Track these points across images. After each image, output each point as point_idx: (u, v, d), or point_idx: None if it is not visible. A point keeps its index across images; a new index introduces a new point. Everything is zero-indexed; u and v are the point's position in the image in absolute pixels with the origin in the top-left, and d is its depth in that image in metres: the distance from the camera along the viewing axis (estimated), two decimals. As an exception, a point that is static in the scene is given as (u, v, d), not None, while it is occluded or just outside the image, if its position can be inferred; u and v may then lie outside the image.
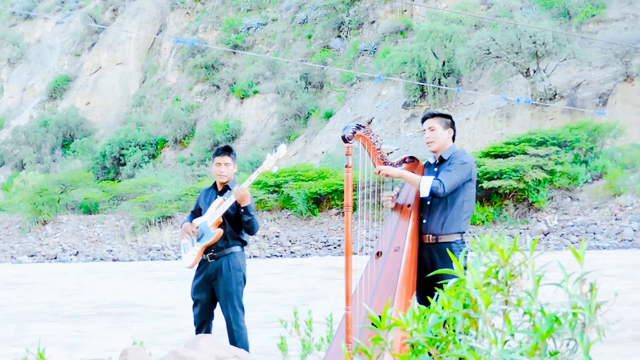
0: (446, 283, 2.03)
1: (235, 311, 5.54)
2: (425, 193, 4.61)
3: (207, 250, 5.58)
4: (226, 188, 5.72)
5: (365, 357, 1.98)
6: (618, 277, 12.69)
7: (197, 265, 5.69)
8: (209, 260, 5.60)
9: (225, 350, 4.52)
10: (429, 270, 4.51)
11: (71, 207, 32.64)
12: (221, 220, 5.55)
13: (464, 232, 4.73)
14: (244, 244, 5.71)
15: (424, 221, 4.75)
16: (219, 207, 5.57)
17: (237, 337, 5.50)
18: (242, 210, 5.50)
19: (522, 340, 1.90)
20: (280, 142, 40.13)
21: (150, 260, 25.01)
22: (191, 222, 5.74)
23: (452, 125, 4.92)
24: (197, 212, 5.85)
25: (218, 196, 5.69)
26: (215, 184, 5.84)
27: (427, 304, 2.01)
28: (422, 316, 1.93)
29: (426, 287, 4.59)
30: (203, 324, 5.70)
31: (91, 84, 54.87)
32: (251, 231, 5.62)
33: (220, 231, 5.53)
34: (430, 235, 4.70)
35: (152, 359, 4.47)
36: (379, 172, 4.63)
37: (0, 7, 60.10)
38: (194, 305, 5.72)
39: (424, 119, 4.93)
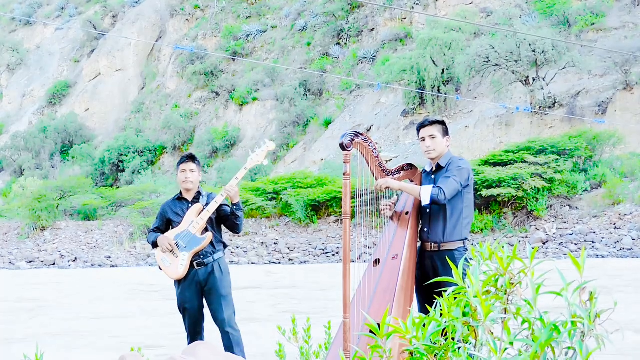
0: (446, 291, 2.02)
1: (231, 314, 5.60)
2: (426, 201, 4.58)
3: (193, 258, 5.57)
4: (198, 196, 5.76)
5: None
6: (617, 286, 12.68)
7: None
8: (196, 268, 5.60)
9: (224, 358, 4.49)
10: (432, 278, 4.49)
11: (70, 214, 32.61)
12: (204, 226, 5.58)
13: (466, 239, 4.71)
14: (225, 247, 5.80)
15: (425, 229, 4.73)
16: (200, 214, 5.59)
17: (234, 340, 5.52)
18: (235, 206, 5.59)
19: (521, 349, 1.89)
20: (278, 148, 40.20)
21: (148, 267, 24.98)
22: (163, 235, 5.68)
23: (448, 132, 4.90)
24: (163, 227, 5.83)
25: (190, 205, 5.71)
26: (180, 194, 5.83)
27: (428, 312, 2.00)
28: (421, 324, 1.93)
29: (427, 295, 4.58)
30: (196, 332, 5.71)
31: (90, 90, 54.90)
32: (238, 228, 5.70)
33: (210, 235, 5.57)
34: (433, 244, 4.68)
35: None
36: (380, 186, 4.62)
37: (0, 12, 60.14)
38: (184, 315, 5.72)
39: (421, 127, 4.84)
